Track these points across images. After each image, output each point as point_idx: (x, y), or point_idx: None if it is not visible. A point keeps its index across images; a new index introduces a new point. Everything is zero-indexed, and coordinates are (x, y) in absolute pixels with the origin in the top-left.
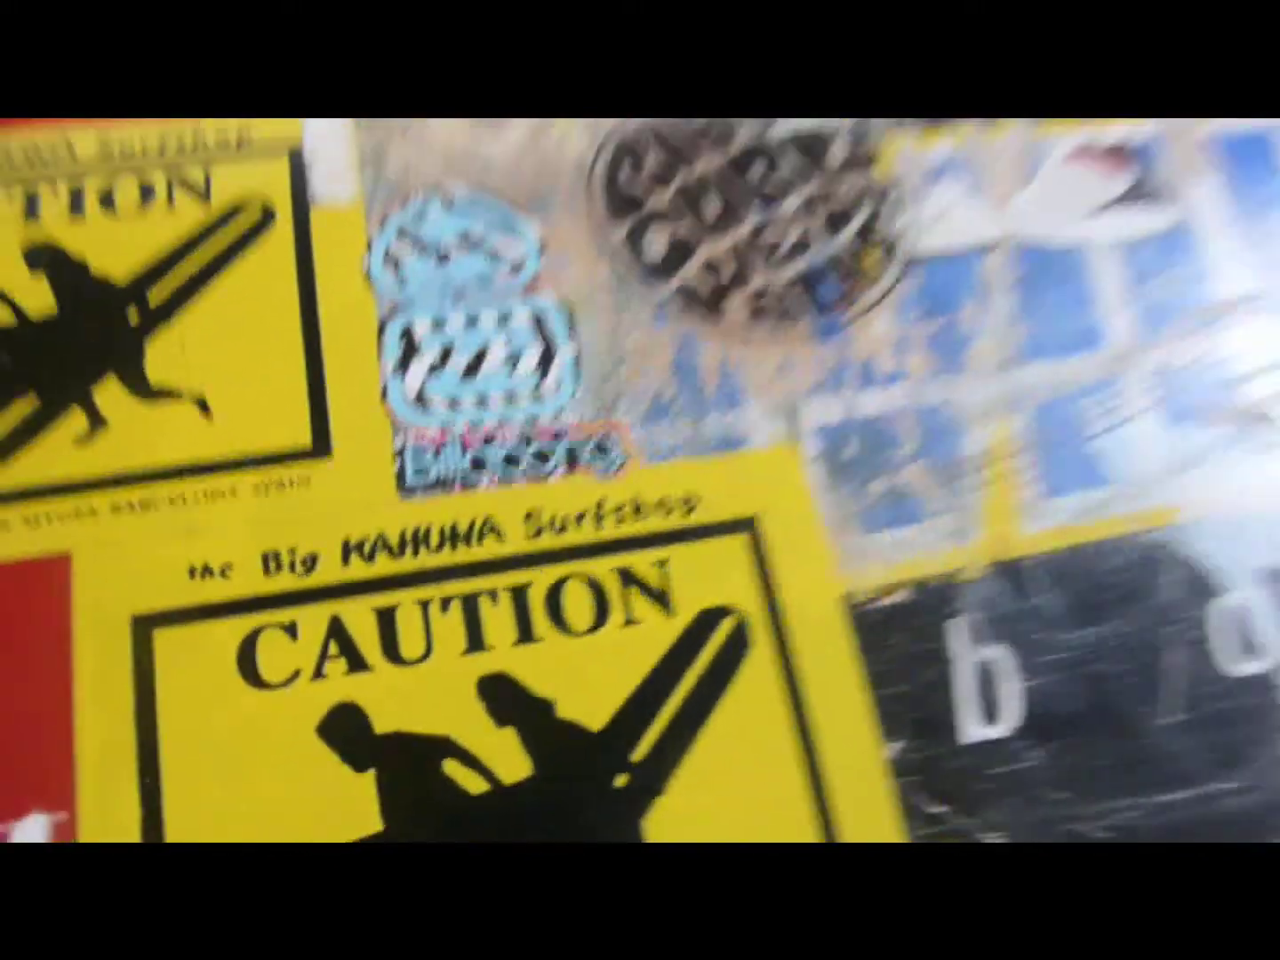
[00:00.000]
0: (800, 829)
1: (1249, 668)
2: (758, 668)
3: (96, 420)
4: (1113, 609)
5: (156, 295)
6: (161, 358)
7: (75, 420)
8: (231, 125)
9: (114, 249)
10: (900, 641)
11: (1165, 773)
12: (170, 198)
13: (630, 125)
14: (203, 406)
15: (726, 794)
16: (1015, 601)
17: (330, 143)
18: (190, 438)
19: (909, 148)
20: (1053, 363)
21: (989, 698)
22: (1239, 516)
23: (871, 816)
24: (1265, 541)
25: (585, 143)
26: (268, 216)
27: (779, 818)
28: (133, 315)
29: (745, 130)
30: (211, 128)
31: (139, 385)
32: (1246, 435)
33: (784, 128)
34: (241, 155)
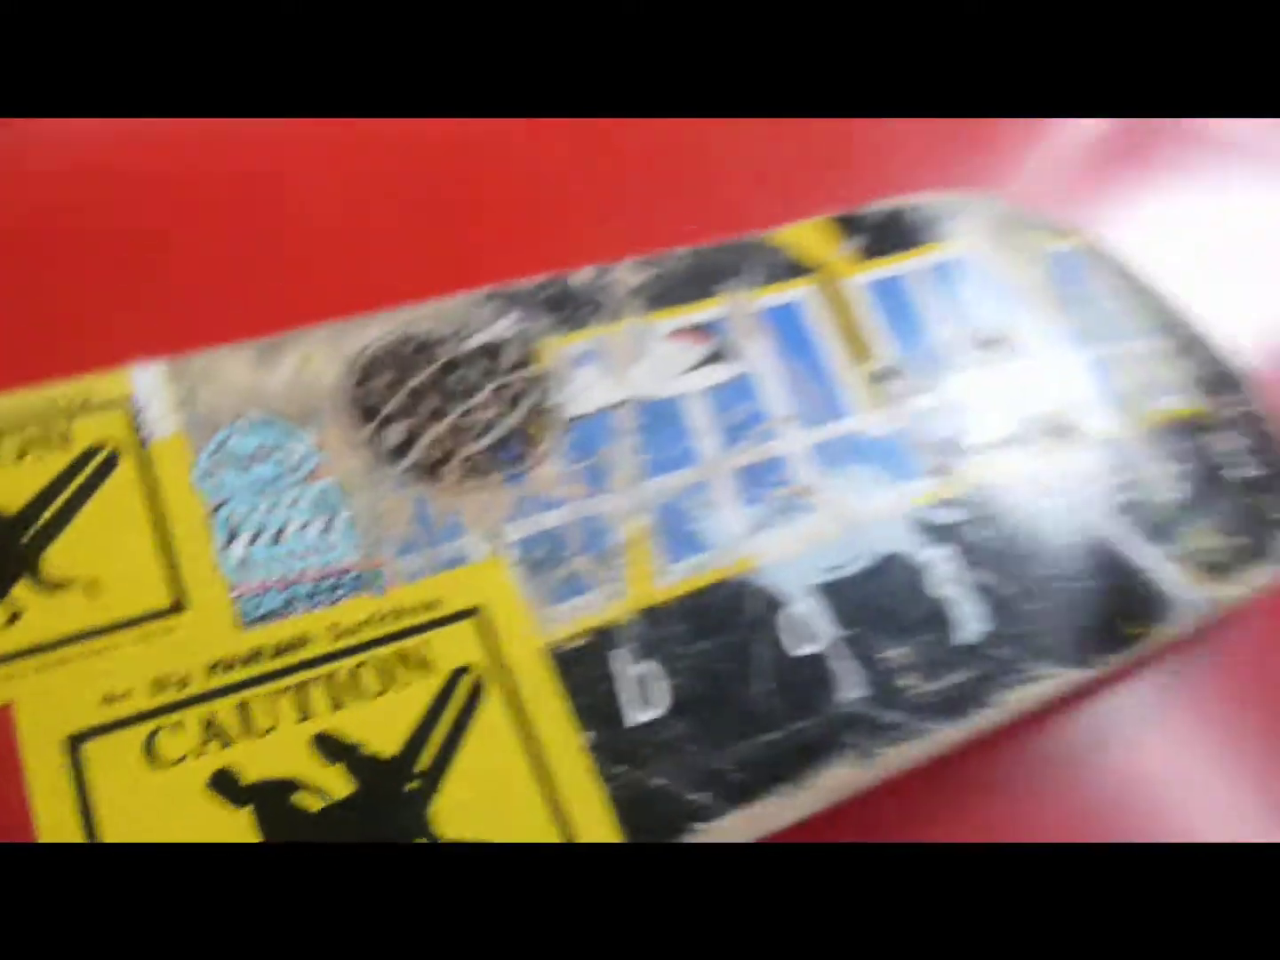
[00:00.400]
0: (530, 793)
1: (807, 649)
2: (493, 700)
3: (16, 613)
4: (720, 628)
5: (44, 518)
6: (55, 561)
7: (1, 614)
8: (82, 388)
9: (3, 492)
10: (583, 669)
11: (763, 722)
12: (42, 450)
13: (367, 353)
14: (92, 590)
15: (482, 783)
16: (656, 632)
17: (154, 394)
18: (87, 612)
19: (558, 346)
20: (666, 477)
21: (645, 696)
22: (794, 556)
23: (577, 780)
24: (810, 568)
25: (336, 370)
26: (115, 454)
27: (516, 790)
28: (27, 536)
29: (444, 348)
30: (68, 392)
31: (42, 583)
32: (794, 504)
33: (471, 342)
34: (92, 410)
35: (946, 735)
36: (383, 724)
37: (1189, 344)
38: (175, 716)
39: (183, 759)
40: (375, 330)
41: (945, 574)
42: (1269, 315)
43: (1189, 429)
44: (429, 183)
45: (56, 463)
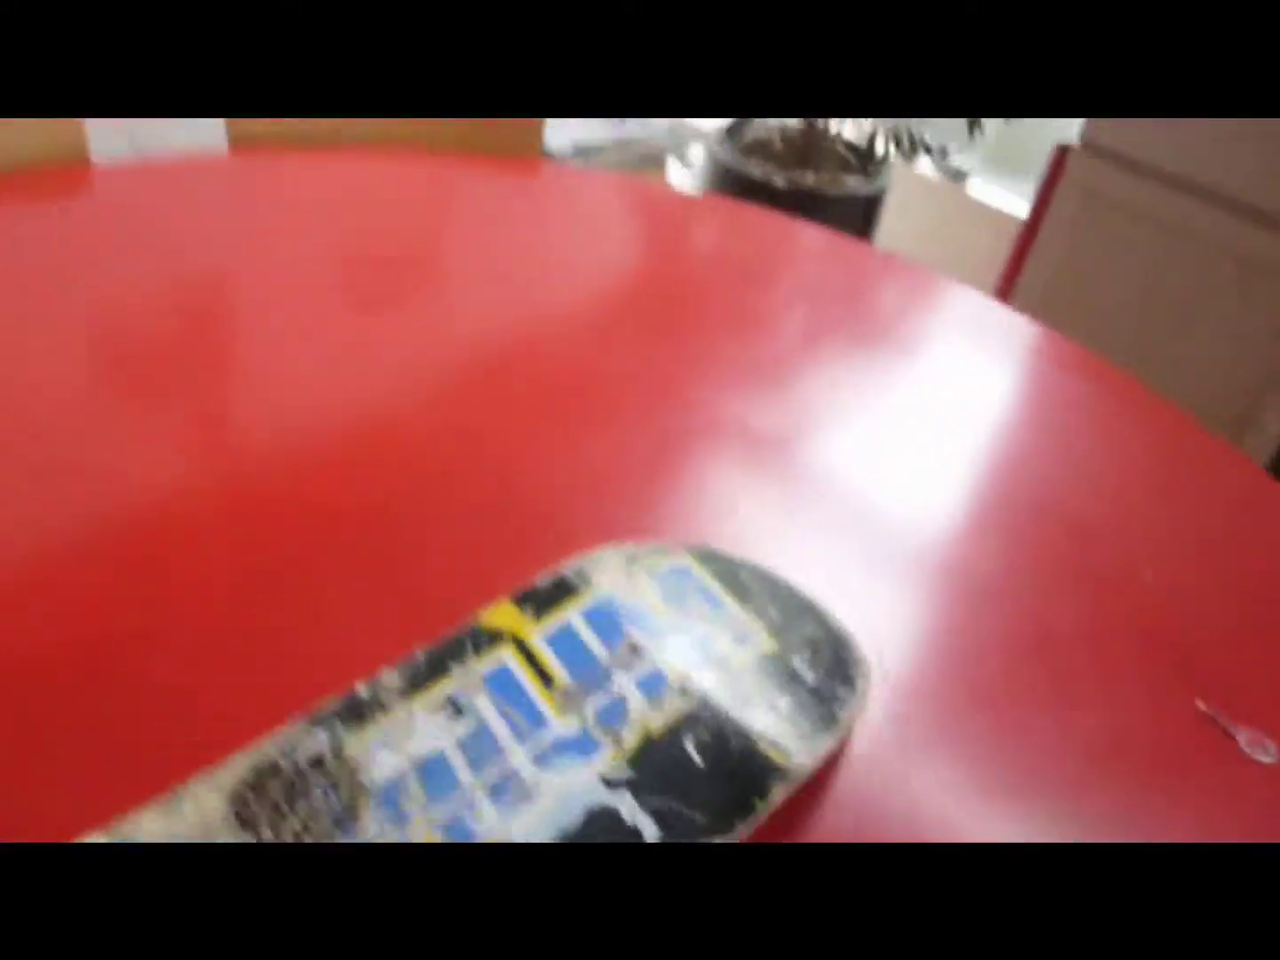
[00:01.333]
0: None
1: None
2: None
3: None
4: None
5: None
6: None
7: None
8: None
9: None
10: None
11: None
12: None
13: (236, 786)
14: None
15: None
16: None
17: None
18: None
19: (358, 741)
20: (445, 803)
21: None
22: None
23: None
24: (545, 833)
25: (219, 804)
26: None
27: None
28: None
29: (285, 765)
30: None
31: None
32: (527, 794)
33: (300, 757)
34: None
35: None
36: None
37: (768, 600)
38: None
39: None
40: (237, 768)
41: (629, 808)
42: (825, 561)
43: (773, 659)
44: (256, 635)
45: None
